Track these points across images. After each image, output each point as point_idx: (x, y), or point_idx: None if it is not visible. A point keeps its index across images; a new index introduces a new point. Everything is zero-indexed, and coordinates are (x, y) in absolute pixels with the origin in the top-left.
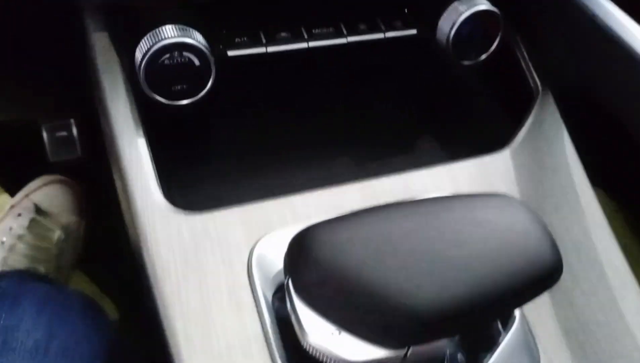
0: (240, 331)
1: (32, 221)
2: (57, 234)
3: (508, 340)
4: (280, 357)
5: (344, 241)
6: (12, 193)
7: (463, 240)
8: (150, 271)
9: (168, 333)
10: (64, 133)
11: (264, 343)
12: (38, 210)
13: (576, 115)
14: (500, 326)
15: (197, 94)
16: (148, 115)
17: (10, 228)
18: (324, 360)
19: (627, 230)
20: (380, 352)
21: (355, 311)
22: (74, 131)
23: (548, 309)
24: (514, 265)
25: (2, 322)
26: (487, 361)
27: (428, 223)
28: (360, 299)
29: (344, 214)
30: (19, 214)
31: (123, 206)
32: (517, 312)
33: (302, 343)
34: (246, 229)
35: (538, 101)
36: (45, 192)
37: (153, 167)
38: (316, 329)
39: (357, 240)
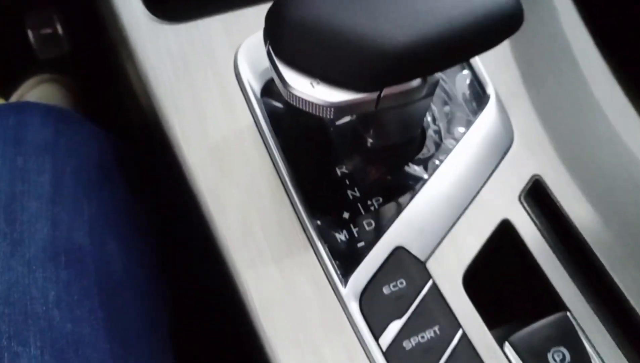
0: (233, 124)
1: None
2: None
3: (482, 117)
4: (273, 142)
5: None
6: (7, 95)
7: None
8: (143, 78)
9: (165, 128)
10: (48, 30)
11: (257, 132)
12: None
13: None
14: (474, 105)
15: None
16: None
17: None
18: (306, 106)
19: None
20: (356, 95)
21: (332, 55)
22: (59, 27)
23: (522, 92)
24: (477, 6)
25: (11, 123)
26: (463, 135)
27: None
28: (335, 42)
29: None
30: None
31: (110, 31)
32: (491, 92)
33: (284, 95)
34: (229, 35)
35: None
36: (39, 91)
37: None
38: (297, 83)
39: None
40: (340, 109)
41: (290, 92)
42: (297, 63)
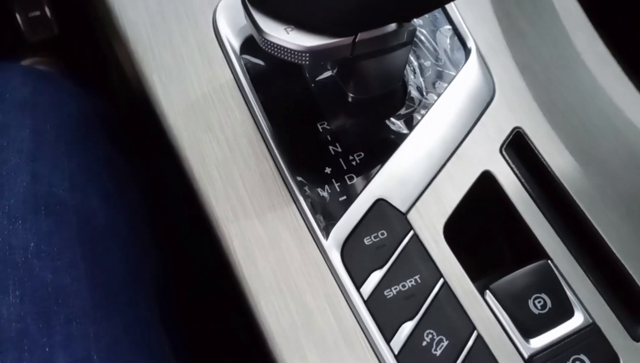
0: (213, 80)
1: None
2: None
3: (464, 71)
4: (254, 98)
5: None
6: None
7: None
8: (122, 34)
9: (145, 85)
10: (37, 13)
11: (237, 88)
12: None
13: None
14: (456, 59)
15: None
16: None
17: None
18: (281, 53)
19: None
20: (331, 40)
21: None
22: (47, 9)
23: (503, 46)
24: None
25: None
26: (444, 90)
27: None
28: None
29: None
30: None
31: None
32: (472, 46)
33: (260, 43)
34: None
35: None
36: None
37: None
38: (271, 29)
39: None
40: (316, 54)
41: (265, 38)
42: (271, 10)
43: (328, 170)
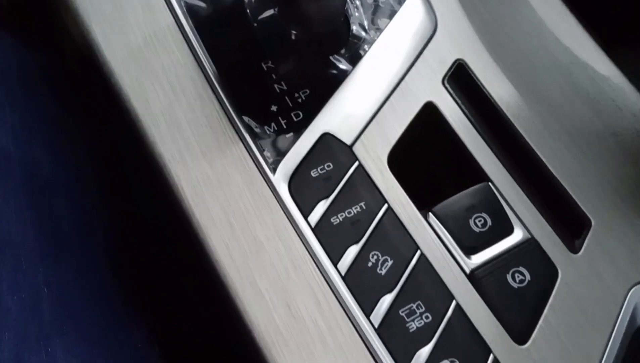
0: (154, 24)
1: None
2: None
3: (406, 6)
4: (196, 40)
5: None
6: None
7: None
8: None
9: (85, 32)
10: None
11: (179, 31)
12: None
13: None
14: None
15: None
16: None
17: None
18: None
19: None
20: None
21: None
22: None
23: None
24: None
25: None
26: (386, 25)
27: None
28: None
29: None
30: None
31: None
32: None
33: None
34: None
35: None
36: None
37: None
38: None
39: None
40: None
41: None
42: None
43: (274, 108)
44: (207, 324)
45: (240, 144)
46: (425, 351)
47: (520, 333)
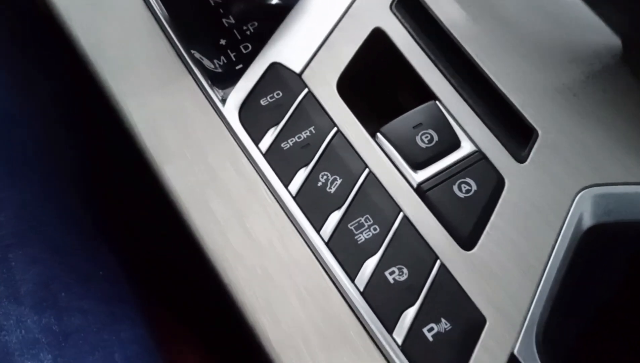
0: None
1: None
2: None
3: None
4: None
5: None
6: None
7: None
8: None
9: None
10: None
11: None
12: None
13: None
14: None
15: None
16: None
17: None
18: None
19: None
20: None
21: None
22: None
23: None
24: None
25: None
26: None
27: None
28: None
29: None
30: None
31: None
32: None
33: None
34: None
35: None
36: None
37: None
38: None
39: None
40: None
41: None
42: None
43: (223, 42)
44: (169, 248)
45: (190, 78)
46: (373, 260)
47: (467, 239)
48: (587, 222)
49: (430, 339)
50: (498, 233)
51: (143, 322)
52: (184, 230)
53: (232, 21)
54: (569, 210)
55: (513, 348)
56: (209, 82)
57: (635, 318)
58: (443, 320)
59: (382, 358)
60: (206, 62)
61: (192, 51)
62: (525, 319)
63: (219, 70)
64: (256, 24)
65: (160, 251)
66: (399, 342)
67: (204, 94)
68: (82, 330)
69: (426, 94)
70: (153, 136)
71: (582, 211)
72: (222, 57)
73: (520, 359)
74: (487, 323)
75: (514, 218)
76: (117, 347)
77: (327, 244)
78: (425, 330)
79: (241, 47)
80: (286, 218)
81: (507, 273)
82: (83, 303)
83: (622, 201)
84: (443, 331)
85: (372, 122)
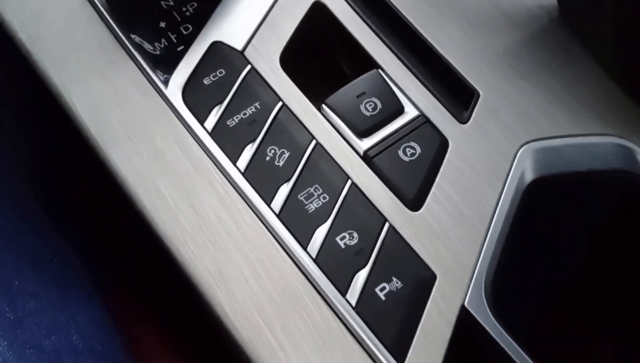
0: None
1: None
2: None
3: None
4: None
5: None
6: None
7: None
8: None
9: None
10: None
11: None
12: None
13: None
14: None
15: None
16: None
17: None
18: None
19: None
20: None
21: None
22: None
23: None
24: None
25: None
26: None
27: None
28: None
29: None
30: None
31: None
32: None
33: None
34: None
35: None
36: None
37: None
38: None
39: None
40: None
41: None
42: None
43: (163, 24)
44: (122, 230)
45: (132, 63)
46: (324, 228)
47: (413, 201)
48: (529, 177)
49: (383, 298)
50: (443, 194)
51: (99, 303)
52: (134, 213)
53: (171, 3)
54: (511, 166)
55: (463, 301)
56: (151, 66)
57: (584, 269)
58: (394, 279)
59: (337, 320)
60: (147, 46)
61: (132, 36)
62: (473, 273)
63: (161, 53)
64: (195, 4)
65: (113, 233)
66: (353, 303)
67: (146, 77)
68: (36, 314)
69: (369, 64)
70: (97, 122)
71: (523, 166)
72: (163, 40)
73: (471, 311)
74: (437, 279)
75: (459, 178)
76: (75, 329)
77: (278, 216)
78: (377, 290)
79: (181, 28)
80: (236, 194)
81: (454, 231)
82: (37, 288)
83: (559, 154)
84: (395, 290)
85: (319, 95)
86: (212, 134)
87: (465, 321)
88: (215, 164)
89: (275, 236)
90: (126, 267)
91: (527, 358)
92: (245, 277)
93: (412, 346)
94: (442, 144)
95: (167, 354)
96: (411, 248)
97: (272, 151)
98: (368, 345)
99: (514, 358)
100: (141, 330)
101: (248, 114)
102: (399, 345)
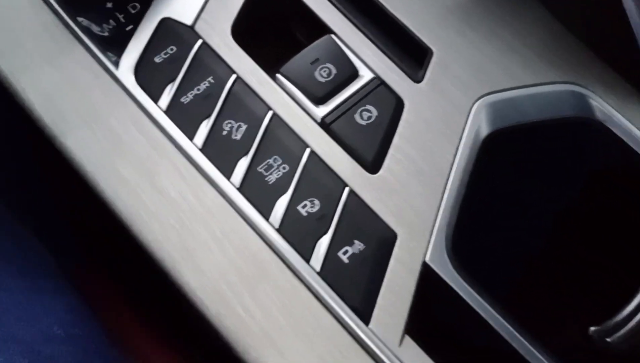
0: None
1: None
2: None
3: None
4: None
5: None
6: None
7: None
8: None
9: None
10: None
11: None
12: None
13: None
14: None
15: None
16: None
17: None
18: None
19: None
20: None
21: None
22: None
23: None
24: None
25: None
26: None
27: None
28: None
29: None
30: None
31: None
32: None
33: None
34: None
35: None
36: None
37: None
38: None
39: None
40: None
41: None
42: None
43: (109, 5)
44: (88, 215)
45: (81, 47)
46: (285, 198)
47: (372, 163)
48: (484, 131)
49: (346, 261)
50: (401, 154)
51: (75, 291)
52: (96, 197)
53: None
54: (467, 121)
55: (425, 257)
56: (100, 48)
57: (560, 232)
58: (356, 242)
59: (303, 286)
60: (95, 28)
61: (79, 19)
62: (433, 230)
63: (109, 34)
64: None
65: (81, 220)
66: (317, 269)
67: (96, 60)
68: (12, 307)
69: (323, 30)
70: (50, 110)
71: (479, 120)
72: (111, 21)
73: (433, 267)
74: (398, 238)
75: (416, 137)
76: (54, 319)
77: (238, 189)
78: (340, 253)
79: (129, 7)
80: (195, 170)
81: (413, 190)
82: (7, 282)
83: (513, 105)
84: (357, 252)
85: (276, 65)
86: (167, 112)
87: (427, 276)
88: (172, 142)
89: (238, 210)
90: (97, 252)
91: (490, 309)
92: (211, 251)
93: (377, 305)
94: (398, 105)
95: (146, 332)
96: (371, 210)
97: (229, 125)
98: (334, 308)
99: (478, 310)
100: (119, 312)
101: (202, 90)
102: (363, 305)
